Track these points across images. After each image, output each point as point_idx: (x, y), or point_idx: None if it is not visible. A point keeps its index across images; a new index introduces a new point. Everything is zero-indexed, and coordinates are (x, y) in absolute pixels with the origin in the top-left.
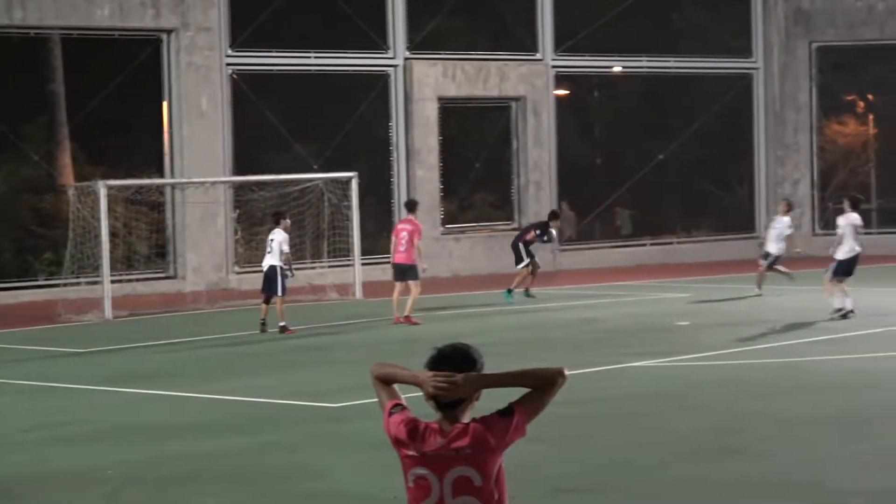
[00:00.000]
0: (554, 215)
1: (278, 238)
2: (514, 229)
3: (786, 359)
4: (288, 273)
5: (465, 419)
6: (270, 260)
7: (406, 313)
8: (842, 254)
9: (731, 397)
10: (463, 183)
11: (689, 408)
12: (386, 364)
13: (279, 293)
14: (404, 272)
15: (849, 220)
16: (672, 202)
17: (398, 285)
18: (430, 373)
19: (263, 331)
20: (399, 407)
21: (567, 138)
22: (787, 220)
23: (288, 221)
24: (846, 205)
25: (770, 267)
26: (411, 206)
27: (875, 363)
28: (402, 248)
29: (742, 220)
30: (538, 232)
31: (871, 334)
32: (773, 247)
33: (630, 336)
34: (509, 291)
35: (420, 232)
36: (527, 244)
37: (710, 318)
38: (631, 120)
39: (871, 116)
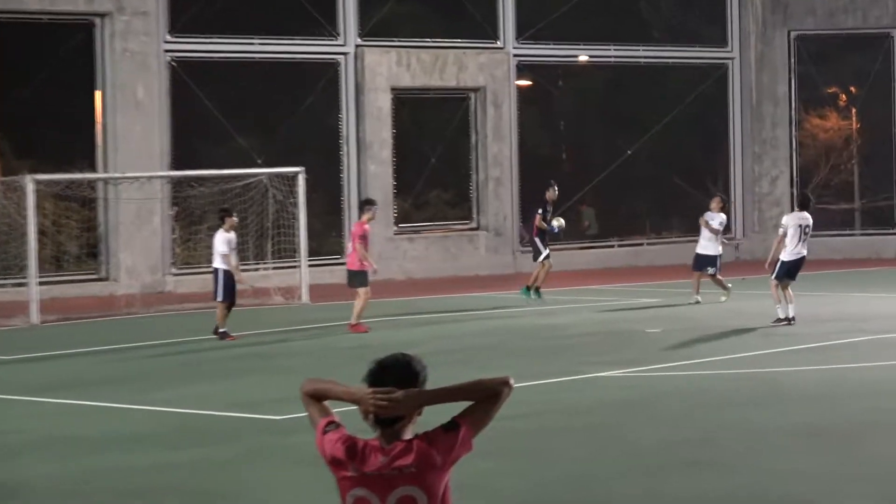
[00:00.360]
0: (548, 185)
1: (217, 238)
2: (472, 229)
3: (760, 369)
4: (239, 280)
5: (407, 435)
6: (214, 262)
7: (352, 321)
8: (786, 255)
9: (700, 409)
10: (418, 179)
11: (654, 420)
12: (318, 380)
13: (218, 297)
14: (350, 278)
15: (796, 218)
16: (642, 201)
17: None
18: (368, 389)
19: (222, 338)
20: (333, 424)
21: (529, 132)
22: (722, 216)
23: (234, 219)
24: (796, 203)
25: (702, 271)
26: (361, 205)
27: (854, 373)
28: (349, 252)
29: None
30: (541, 211)
31: (851, 343)
32: (713, 247)
33: (596, 344)
34: (528, 289)
35: (360, 235)
36: (542, 235)
37: (681, 326)
38: (598, 113)
39: (853, 110)
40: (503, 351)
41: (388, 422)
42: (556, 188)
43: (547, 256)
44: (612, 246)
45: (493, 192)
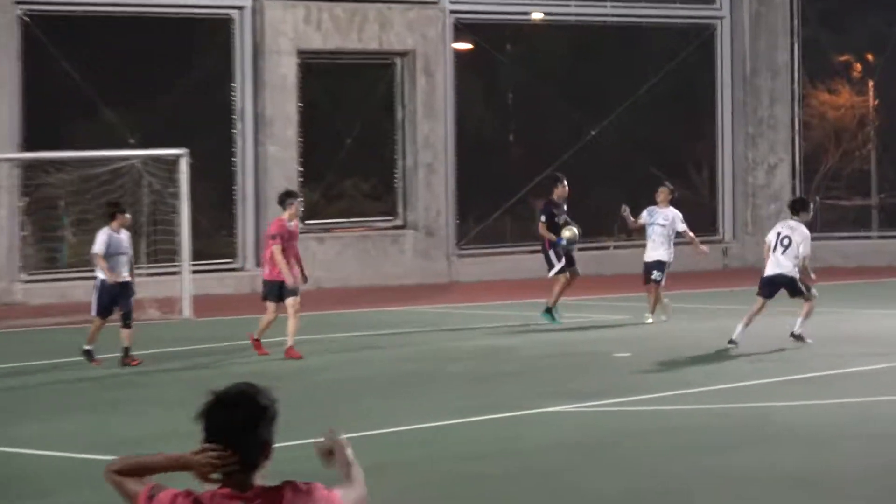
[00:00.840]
0: (555, 180)
1: (98, 237)
2: (397, 227)
3: (746, 403)
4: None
5: (259, 481)
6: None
7: (256, 336)
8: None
9: (674, 452)
10: (330, 165)
11: (618, 465)
12: (130, 457)
13: (92, 311)
14: (263, 290)
15: (778, 226)
16: (608, 194)
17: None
18: (199, 452)
19: (127, 363)
20: (158, 487)
21: (470, 107)
22: (673, 212)
23: (127, 217)
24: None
25: (653, 281)
26: (281, 198)
27: (859, 409)
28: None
29: (701, 218)
30: (543, 219)
31: (861, 373)
32: (664, 252)
33: (551, 371)
34: (548, 311)
35: (273, 236)
36: (553, 245)
37: (655, 349)
38: (555, 84)
39: (870, 83)
40: (438, 379)
41: (238, 470)
42: (566, 184)
43: (562, 270)
44: (608, 247)
45: (423, 181)
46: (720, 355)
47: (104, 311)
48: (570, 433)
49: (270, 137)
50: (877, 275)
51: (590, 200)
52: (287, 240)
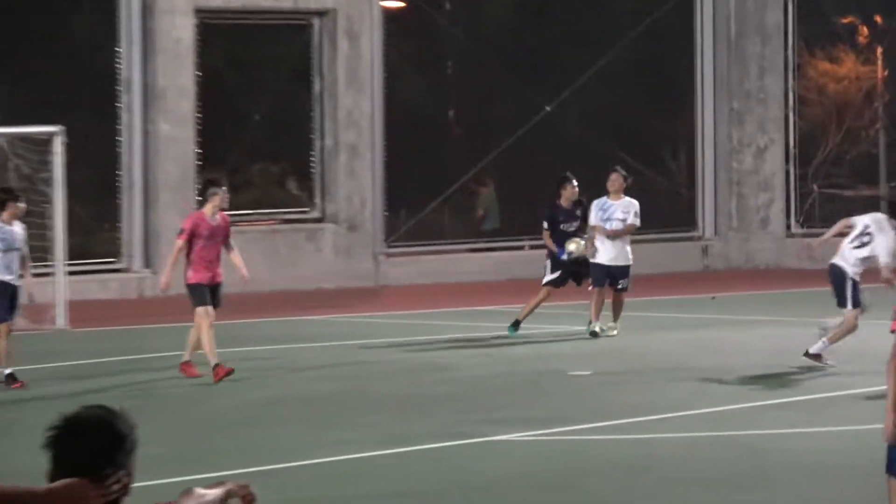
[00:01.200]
0: (562, 181)
1: None
2: (315, 220)
3: (728, 431)
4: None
5: None
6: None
7: (184, 358)
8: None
9: (643, 489)
10: (234, 146)
11: None
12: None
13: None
14: (191, 296)
15: (871, 219)
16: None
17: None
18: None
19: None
20: None
21: (401, 78)
22: (634, 204)
23: (21, 205)
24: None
25: (601, 287)
26: (203, 186)
27: (858, 439)
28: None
29: (677, 211)
30: (545, 225)
31: (863, 396)
32: (626, 253)
33: (498, 392)
34: (515, 324)
35: (187, 231)
36: (553, 256)
37: (621, 366)
38: (503, 50)
39: (878, 50)
40: (363, 402)
41: None
42: (576, 184)
43: (552, 282)
44: (522, 247)
45: (345, 165)
46: (698, 374)
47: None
48: (522, 466)
49: (162, 113)
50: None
51: (542, 189)
52: (208, 237)
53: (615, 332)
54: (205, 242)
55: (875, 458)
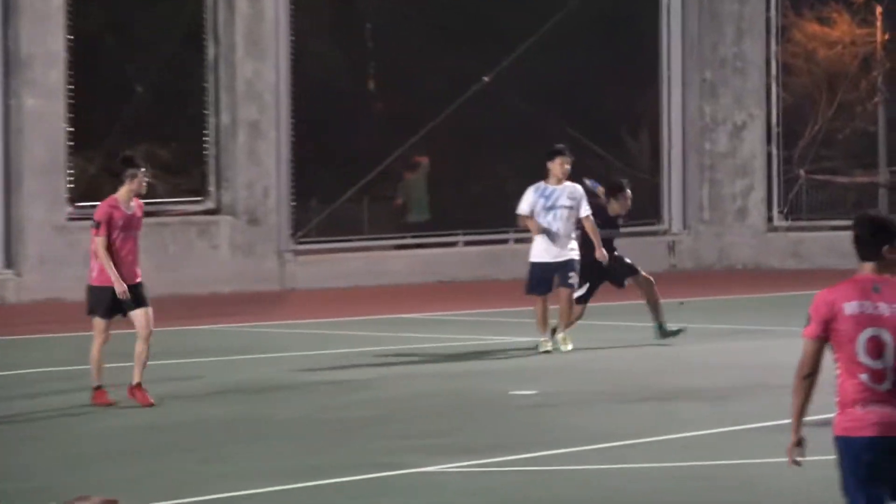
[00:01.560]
0: (617, 189)
1: None
2: (209, 211)
3: (703, 461)
4: None
5: None
6: None
7: (95, 383)
8: None
9: None
10: (112, 124)
11: None
12: None
13: None
14: (90, 301)
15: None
16: (506, 165)
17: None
18: None
19: None
20: None
21: (311, 43)
22: (579, 190)
23: None
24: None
25: (544, 294)
26: (120, 170)
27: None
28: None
29: (638, 200)
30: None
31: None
32: (573, 246)
33: (426, 416)
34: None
35: (94, 224)
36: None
37: (572, 384)
38: (432, 12)
39: (877, 9)
40: (268, 427)
41: None
42: (630, 194)
43: (583, 299)
44: (455, 242)
45: (245, 147)
46: (663, 393)
47: None
48: (455, 501)
49: (27, 85)
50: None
51: (479, 175)
52: (123, 228)
53: (570, 347)
54: (119, 234)
55: None
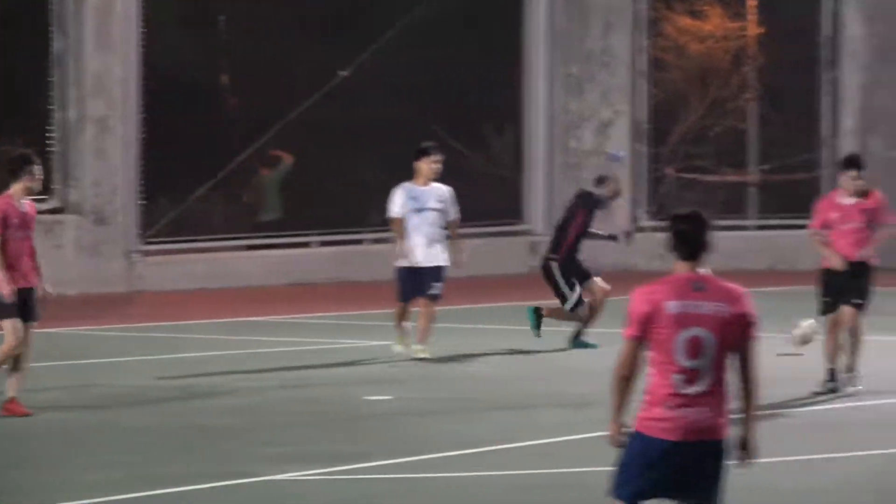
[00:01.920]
0: (600, 181)
1: None
2: (53, 210)
3: (565, 468)
4: None
5: None
6: None
7: (10, 394)
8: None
9: None
10: None
11: None
12: None
13: None
14: None
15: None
16: (364, 163)
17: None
18: None
19: None
20: None
21: (163, 36)
22: (449, 191)
23: None
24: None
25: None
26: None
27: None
28: None
29: (500, 199)
30: (588, 211)
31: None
32: (442, 252)
33: (277, 423)
34: (577, 338)
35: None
36: (569, 253)
37: (430, 390)
38: (289, 6)
39: (750, 2)
40: (112, 435)
41: None
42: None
43: (574, 305)
44: (307, 243)
45: (92, 143)
46: (524, 399)
47: None
48: None
49: None
50: (755, 281)
51: (338, 171)
52: (19, 227)
53: (426, 355)
54: (14, 234)
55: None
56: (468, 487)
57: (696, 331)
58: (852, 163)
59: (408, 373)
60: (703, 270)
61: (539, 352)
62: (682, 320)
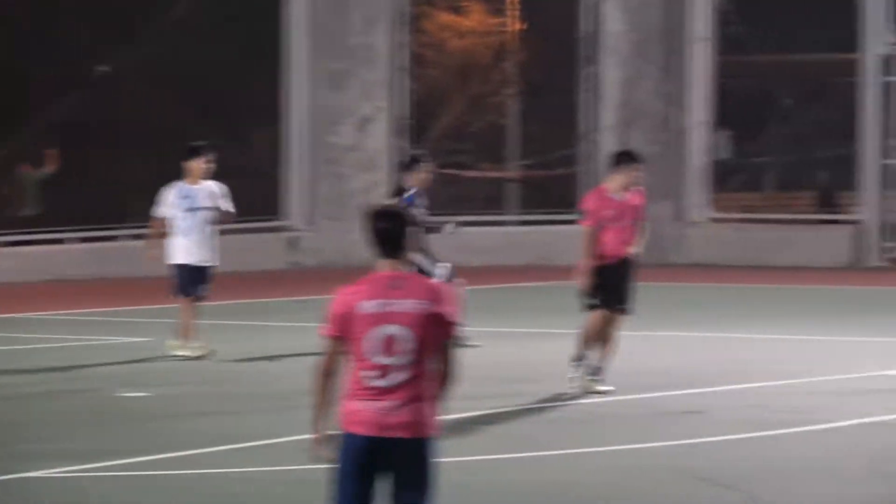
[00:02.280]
0: (412, 162)
1: None
2: None
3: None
4: None
5: None
6: None
7: None
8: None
9: None
10: None
11: None
12: None
13: None
14: None
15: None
16: (129, 162)
17: None
18: None
19: None
20: None
21: None
22: (221, 188)
23: None
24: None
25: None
26: None
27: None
28: None
29: (262, 196)
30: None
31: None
32: (211, 250)
33: (28, 419)
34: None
35: None
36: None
37: (188, 386)
38: None
39: None
40: None
41: None
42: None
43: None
44: (64, 240)
45: None
46: (288, 395)
47: None
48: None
49: None
50: (516, 277)
51: (97, 167)
52: None
53: (186, 352)
54: None
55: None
56: (228, 483)
57: (391, 328)
58: (635, 157)
59: (165, 368)
60: (405, 267)
61: (301, 351)
62: (378, 318)
